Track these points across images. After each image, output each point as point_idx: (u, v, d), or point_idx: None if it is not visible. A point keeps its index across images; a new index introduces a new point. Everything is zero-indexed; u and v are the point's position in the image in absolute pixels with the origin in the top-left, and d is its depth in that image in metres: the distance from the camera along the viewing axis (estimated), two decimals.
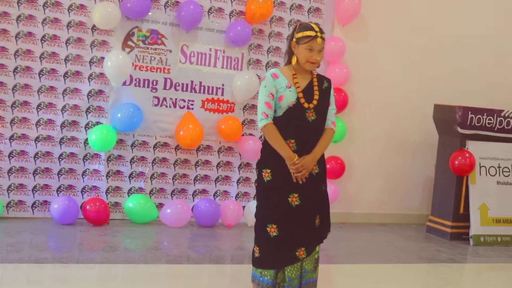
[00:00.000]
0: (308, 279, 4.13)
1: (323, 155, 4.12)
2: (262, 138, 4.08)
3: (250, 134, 6.87)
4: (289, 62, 4.11)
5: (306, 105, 3.99)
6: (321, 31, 4.02)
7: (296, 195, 4.01)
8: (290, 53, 4.09)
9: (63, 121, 6.30)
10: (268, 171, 4.04)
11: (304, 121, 4.00)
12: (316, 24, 4.07)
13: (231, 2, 6.78)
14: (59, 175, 6.33)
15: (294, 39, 4.03)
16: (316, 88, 4.06)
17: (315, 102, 4.02)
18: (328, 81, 4.18)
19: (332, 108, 4.14)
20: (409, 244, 6.76)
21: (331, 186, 7.10)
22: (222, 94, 6.80)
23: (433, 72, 7.77)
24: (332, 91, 4.17)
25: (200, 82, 6.71)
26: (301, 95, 3.99)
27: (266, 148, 4.07)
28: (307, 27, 4.02)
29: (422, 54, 7.71)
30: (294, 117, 3.99)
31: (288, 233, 4.00)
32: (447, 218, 7.07)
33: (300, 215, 4.01)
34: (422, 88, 7.72)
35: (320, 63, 4.10)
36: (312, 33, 3.97)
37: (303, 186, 4.00)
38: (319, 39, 3.97)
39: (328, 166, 6.98)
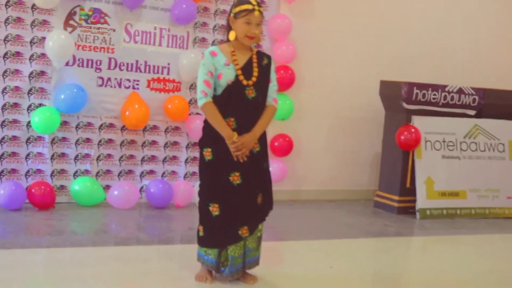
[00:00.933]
0: (251, 258, 4.20)
1: (264, 133, 4.14)
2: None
3: (197, 114, 6.83)
4: (227, 39, 4.10)
5: (245, 82, 4.01)
6: (259, 5, 4.01)
7: (237, 173, 4.03)
8: (228, 29, 4.09)
9: (4, 104, 6.18)
10: (209, 150, 4.06)
11: (243, 99, 4.02)
12: None
13: None
14: (2, 159, 6.23)
15: (231, 14, 4.02)
16: (255, 65, 4.07)
17: (254, 79, 4.03)
18: (268, 57, 4.18)
19: (273, 85, 4.15)
20: (357, 219, 6.84)
21: (280, 164, 7.21)
22: (168, 73, 6.76)
23: (380, 49, 7.85)
24: (272, 67, 4.17)
25: (145, 62, 6.66)
26: (239, 72, 4.00)
27: (207, 126, 4.08)
28: (244, 1, 4.01)
29: (369, 31, 7.78)
30: (233, 95, 4.00)
31: (230, 212, 4.04)
32: (394, 192, 7.18)
33: (242, 193, 4.04)
34: (370, 65, 7.78)
35: (260, 38, 4.09)
36: (249, 6, 3.97)
37: (244, 165, 4.02)
38: (256, 12, 3.97)
39: (276, 143, 7.19)
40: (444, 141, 7.25)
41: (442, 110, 7.31)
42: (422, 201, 7.02)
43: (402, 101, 7.06)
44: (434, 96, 7.21)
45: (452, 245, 6.21)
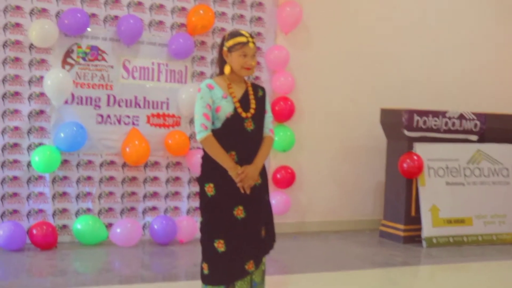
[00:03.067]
0: None
1: (264, 165, 4.15)
2: (203, 151, 4.11)
3: (198, 148, 6.85)
4: (221, 73, 4.14)
5: (244, 114, 4.03)
6: (251, 36, 4.08)
7: (241, 207, 4.03)
8: (221, 63, 4.12)
9: (4, 144, 6.26)
10: (211, 185, 4.04)
11: (243, 131, 4.03)
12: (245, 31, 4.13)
13: (172, 15, 6.85)
14: (3, 200, 6.29)
15: (225, 48, 4.07)
16: (252, 97, 4.11)
17: (252, 111, 4.06)
18: (263, 89, 4.23)
19: (268, 116, 4.19)
20: (363, 250, 6.85)
21: (282, 196, 7.24)
22: (167, 108, 6.85)
23: (379, 76, 7.95)
24: (267, 98, 4.22)
25: (144, 97, 6.76)
26: (238, 104, 4.03)
27: (207, 161, 4.07)
28: (237, 34, 4.08)
29: (366, 59, 7.87)
30: (233, 128, 4.02)
31: (236, 247, 4.02)
32: (399, 221, 7.21)
33: (246, 227, 4.04)
34: (369, 93, 7.87)
35: (254, 70, 4.15)
36: (243, 39, 4.03)
37: (247, 198, 4.03)
38: (251, 44, 4.03)
39: (278, 175, 7.22)
40: (447, 168, 7.30)
41: (444, 136, 7.37)
42: (427, 229, 7.05)
43: (403, 129, 7.14)
44: (435, 123, 7.28)
45: (461, 274, 6.22)
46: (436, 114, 7.32)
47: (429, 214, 7.10)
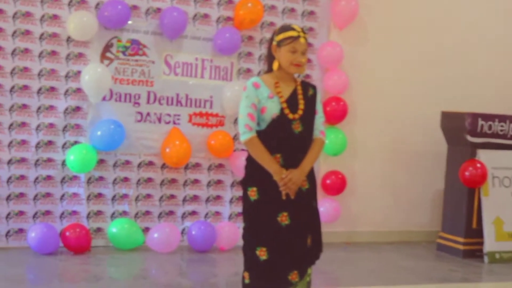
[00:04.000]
0: None
1: (312, 169, 4.08)
2: (247, 153, 4.08)
3: (242, 150, 6.74)
4: (269, 69, 4.08)
5: (291, 116, 3.98)
6: (303, 31, 4.02)
7: (285, 213, 3.96)
8: (270, 59, 4.09)
9: (38, 142, 6.26)
10: (254, 189, 4.00)
11: (290, 134, 3.97)
12: (297, 26, 4.07)
13: (218, 8, 6.78)
14: (35, 200, 6.29)
15: (274, 43, 4.02)
16: (301, 96, 4.05)
17: (300, 112, 4.01)
18: (314, 88, 4.17)
19: (319, 117, 4.13)
20: (419, 263, 6.73)
21: (332, 203, 7.18)
22: (211, 107, 6.80)
23: (439, 77, 7.79)
24: (318, 98, 4.15)
25: (187, 95, 6.70)
26: (285, 105, 3.98)
27: (251, 164, 4.04)
28: (288, 28, 4.04)
29: (426, 59, 7.73)
30: (278, 130, 3.97)
31: (279, 255, 3.96)
32: (458, 234, 7.05)
33: (291, 235, 3.98)
34: (428, 94, 7.73)
35: (305, 68, 4.11)
36: (294, 33, 3.98)
37: (292, 204, 3.96)
38: (302, 39, 3.98)
39: (328, 181, 7.20)
40: None
41: (511, 143, 7.19)
42: (490, 243, 6.86)
43: (466, 134, 6.97)
44: (502, 128, 7.11)
45: None
46: (502, 118, 7.14)
47: (492, 227, 6.92)
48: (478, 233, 6.94)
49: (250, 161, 4.04)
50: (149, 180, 6.63)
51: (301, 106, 4.02)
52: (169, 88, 6.63)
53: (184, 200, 6.76)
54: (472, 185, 6.90)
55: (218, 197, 6.88)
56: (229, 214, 6.91)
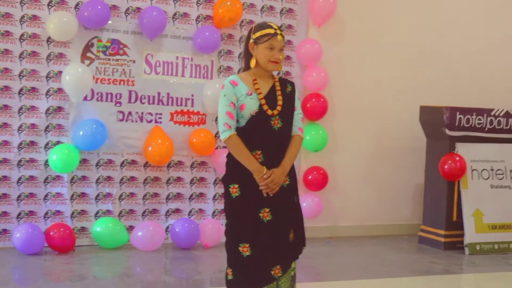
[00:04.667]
0: None
1: (293, 165, 4.08)
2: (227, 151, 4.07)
3: (224, 147, 6.75)
4: (247, 67, 4.08)
5: (269, 112, 3.96)
6: (280, 29, 4.02)
7: (267, 209, 3.96)
8: (247, 56, 4.07)
9: (20, 142, 6.26)
10: (236, 186, 3.99)
11: (269, 130, 3.97)
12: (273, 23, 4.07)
13: (197, 6, 6.79)
14: (19, 201, 6.29)
15: (251, 40, 4.01)
16: (279, 93, 4.04)
17: (279, 108, 4.00)
18: (292, 84, 4.17)
19: (298, 113, 4.12)
20: (401, 256, 6.76)
21: (314, 199, 7.19)
22: (192, 105, 6.81)
23: (418, 73, 7.82)
24: (296, 94, 4.15)
25: (168, 94, 6.71)
26: (263, 101, 3.96)
27: (231, 161, 4.03)
28: (264, 25, 4.03)
29: (404, 54, 7.75)
30: (258, 126, 3.96)
31: (262, 251, 3.96)
32: (439, 227, 7.08)
33: (273, 230, 3.97)
34: (407, 89, 7.75)
35: (282, 65, 4.08)
36: (271, 31, 3.97)
37: (274, 200, 3.96)
38: (279, 36, 3.97)
39: (309, 177, 7.20)
40: (492, 170, 7.16)
41: (489, 135, 7.22)
42: (470, 235, 6.89)
43: (445, 128, 7.00)
44: (479, 121, 7.13)
45: (507, 283, 6.04)
46: (480, 112, 7.17)
47: (472, 219, 6.96)
48: (458, 225, 6.96)
49: (231, 158, 4.02)
50: (132, 178, 6.63)
51: (280, 102, 4.00)
52: (150, 87, 6.63)
53: (168, 198, 6.77)
54: (452, 178, 6.93)
55: (201, 195, 6.88)
56: (213, 211, 6.91)
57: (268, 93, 4.01)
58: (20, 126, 6.25)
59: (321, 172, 7.24)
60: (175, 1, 6.70)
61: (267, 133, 3.96)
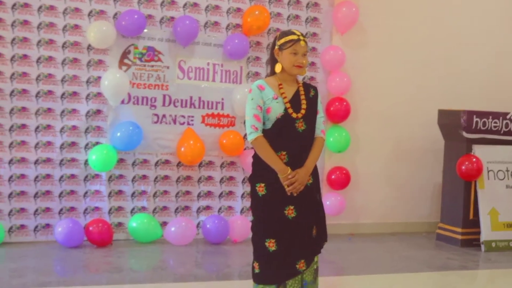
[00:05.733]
0: None
1: (316, 165, 4.09)
2: (253, 152, 4.07)
3: (252, 148, 6.73)
4: (272, 72, 4.09)
5: (294, 115, 3.98)
6: (303, 35, 4.03)
7: (292, 207, 3.98)
8: (272, 62, 4.08)
9: (62, 143, 6.34)
10: (262, 185, 4.00)
11: (294, 132, 3.98)
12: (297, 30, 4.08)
13: (227, 15, 6.82)
14: (61, 198, 6.36)
15: (276, 47, 4.02)
16: (303, 97, 4.05)
17: (303, 111, 4.01)
18: (315, 89, 4.17)
19: (320, 116, 4.12)
20: (419, 252, 6.73)
21: (337, 197, 7.16)
22: (222, 109, 6.83)
23: (436, 77, 7.77)
24: (319, 98, 4.15)
25: (199, 97, 6.75)
26: (288, 105, 3.98)
27: (258, 161, 4.04)
28: (288, 32, 4.04)
29: (423, 59, 7.71)
30: (283, 128, 3.97)
31: (287, 246, 3.98)
32: (456, 224, 7.05)
33: (297, 227, 3.99)
34: (426, 93, 7.72)
35: (306, 69, 4.09)
36: (294, 37, 3.99)
37: (298, 198, 3.97)
38: (302, 42, 3.98)
39: (333, 176, 7.17)
40: (507, 171, 7.11)
41: (504, 138, 7.17)
42: (486, 233, 6.85)
43: (462, 130, 6.96)
44: (495, 124, 7.09)
45: None
46: (496, 115, 7.13)
47: (488, 217, 6.91)
48: (475, 223, 6.92)
49: (257, 159, 4.03)
50: (166, 177, 6.67)
51: (304, 105, 4.01)
52: (183, 91, 6.67)
53: (199, 195, 6.80)
54: (469, 178, 6.89)
55: (230, 193, 6.92)
56: (241, 208, 6.94)
57: (292, 97, 4.02)
58: (62, 128, 6.33)
59: (344, 172, 7.24)
60: (207, 11, 6.74)
61: (291, 135, 3.97)
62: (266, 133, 3.97)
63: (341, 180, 7.22)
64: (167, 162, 6.68)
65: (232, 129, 6.85)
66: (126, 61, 6.49)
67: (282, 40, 4.00)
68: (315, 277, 4.16)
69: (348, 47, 7.30)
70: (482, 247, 6.82)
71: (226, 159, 6.89)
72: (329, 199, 7.01)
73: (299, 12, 7.10)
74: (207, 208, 6.84)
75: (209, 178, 6.85)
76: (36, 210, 6.30)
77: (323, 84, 7.14)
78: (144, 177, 6.61)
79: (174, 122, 6.67)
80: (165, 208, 6.70)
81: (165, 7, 6.59)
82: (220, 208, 6.88)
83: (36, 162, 6.28)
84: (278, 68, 4.02)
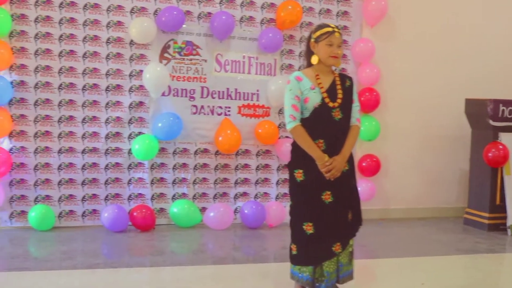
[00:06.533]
0: (345, 272, 4.20)
1: (351, 152, 4.13)
2: (292, 140, 4.14)
3: (286, 137, 6.84)
4: (309, 64, 4.14)
5: (331, 104, 4.03)
6: (337, 27, 4.08)
7: (328, 192, 4.03)
8: (309, 54, 4.14)
9: (107, 133, 6.44)
10: (301, 171, 4.06)
11: (331, 121, 4.03)
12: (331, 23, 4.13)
13: (262, 10, 6.85)
14: (106, 185, 6.47)
15: (312, 39, 4.08)
16: (339, 87, 4.10)
17: (339, 101, 4.06)
18: (350, 79, 4.21)
19: (356, 106, 4.17)
20: (447, 236, 6.70)
21: (368, 184, 7.16)
22: (257, 100, 6.87)
23: (463, 68, 7.70)
24: (355, 88, 4.19)
25: (236, 89, 6.79)
26: (325, 95, 4.03)
27: (296, 149, 4.09)
28: (323, 25, 4.10)
29: (451, 50, 7.66)
30: (321, 117, 4.02)
31: (324, 230, 4.03)
32: (484, 209, 7.00)
33: (334, 211, 4.04)
34: (453, 83, 7.65)
35: (340, 61, 4.12)
36: (329, 29, 4.04)
37: (335, 184, 4.02)
38: (337, 34, 4.03)
39: (363, 164, 7.15)
40: None
41: None
42: None
43: (489, 118, 6.91)
44: None
45: None
46: None
47: None
48: (501, 208, 6.88)
49: (295, 146, 4.08)
50: (205, 165, 6.74)
51: (340, 95, 4.06)
52: (220, 83, 6.72)
53: (236, 182, 6.86)
54: (495, 165, 6.85)
55: (266, 180, 6.95)
56: (276, 195, 6.96)
57: (329, 87, 4.07)
58: (107, 119, 6.43)
59: (374, 159, 7.24)
60: (242, 6, 6.78)
61: (328, 124, 4.03)
62: (304, 122, 4.02)
63: (372, 167, 7.22)
64: (205, 151, 6.74)
65: (267, 119, 6.88)
66: (166, 55, 6.55)
67: (318, 33, 4.05)
68: (350, 259, 4.22)
69: (378, 39, 7.27)
70: (509, 231, 6.78)
71: (262, 148, 6.93)
72: (360, 186, 6.99)
73: (330, 6, 7.10)
74: (244, 194, 6.88)
75: (246, 166, 6.89)
76: (84, 197, 6.41)
77: (353, 75, 7.02)
78: (184, 165, 6.68)
79: (212, 112, 6.72)
80: (204, 194, 6.76)
81: (203, 3, 6.64)
82: (256, 194, 6.92)
83: (83, 151, 6.39)
84: (314, 59, 4.07)
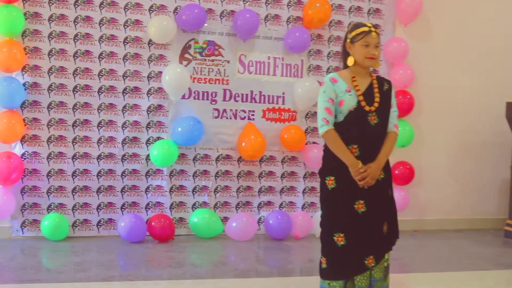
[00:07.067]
0: None
1: (388, 159, 4.03)
2: (324, 145, 4.06)
3: (314, 143, 6.78)
4: (345, 66, 4.07)
5: (367, 108, 3.95)
6: (374, 27, 4.00)
7: (362, 201, 3.94)
8: (345, 55, 4.07)
9: (124, 138, 6.37)
10: (332, 178, 3.98)
11: (366, 125, 3.95)
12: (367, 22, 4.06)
13: (288, 8, 6.75)
14: (123, 192, 6.40)
15: (348, 40, 4.02)
16: (376, 90, 4.02)
17: (376, 105, 3.97)
18: (389, 82, 4.13)
19: (393, 111, 4.08)
20: (487, 250, 6.56)
21: (401, 193, 7.05)
22: (283, 103, 6.77)
23: (503, 69, 7.58)
24: (393, 93, 4.11)
25: (260, 92, 6.71)
26: (361, 98, 3.95)
27: (328, 154, 4.02)
28: (359, 25, 4.04)
29: (489, 51, 7.53)
30: (355, 121, 3.94)
31: (356, 241, 3.94)
32: None
33: (367, 222, 3.95)
34: (492, 86, 7.53)
35: (379, 62, 4.05)
36: (365, 29, 3.97)
37: (369, 192, 3.93)
38: (373, 33, 3.96)
39: (396, 171, 7.05)
40: None
41: None
42: None
43: None
44: None
45: None
46: None
47: None
48: None
49: (328, 152, 4.02)
50: (227, 172, 6.66)
51: (377, 99, 3.98)
52: (244, 85, 6.64)
53: (260, 191, 6.77)
54: None
55: (291, 188, 6.85)
56: (303, 204, 6.87)
57: (366, 90, 3.99)
58: (124, 123, 6.36)
59: (408, 167, 7.12)
60: (267, 4, 6.69)
61: (364, 129, 3.94)
62: (337, 126, 3.95)
63: (405, 175, 7.10)
64: (228, 157, 6.66)
65: (293, 124, 6.78)
66: (186, 55, 6.48)
67: (353, 33, 3.99)
68: (385, 275, 4.09)
69: (412, 39, 7.18)
70: None
71: (287, 154, 6.83)
72: None
73: (361, 4, 7.00)
74: (268, 203, 6.79)
75: (270, 173, 6.79)
76: (99, 205, 6.34)
77: (386, 77, 6.84)
78: (205, 172, 6.60)
79: (235, 116, 6.64)
80: (226, 203, 6.67)
81: (225, 1, 6.57)
82: (281, 204, 6.83)
83: (98, 157, 6.32)
84: (350, 61, 4.01)
